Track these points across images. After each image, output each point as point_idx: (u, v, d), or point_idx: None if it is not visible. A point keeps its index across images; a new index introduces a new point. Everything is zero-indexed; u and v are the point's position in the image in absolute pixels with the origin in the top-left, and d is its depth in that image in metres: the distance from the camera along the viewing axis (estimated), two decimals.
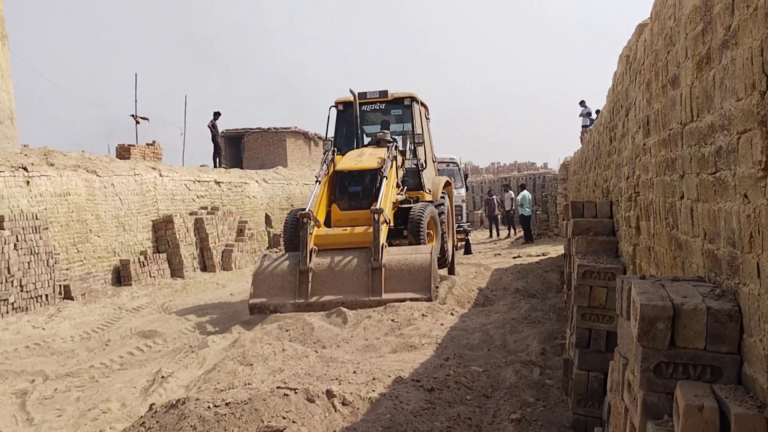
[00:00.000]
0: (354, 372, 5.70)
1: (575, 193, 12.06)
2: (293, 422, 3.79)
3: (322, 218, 10.71)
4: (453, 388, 5.12)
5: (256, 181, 21.53)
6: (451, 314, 9.04)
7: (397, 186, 11.75)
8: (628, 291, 2.52)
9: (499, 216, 28.18)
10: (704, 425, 1.92)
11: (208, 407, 3.93)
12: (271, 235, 21.01)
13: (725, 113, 2.29)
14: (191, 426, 3.78)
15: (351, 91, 12.27)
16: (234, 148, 29.38)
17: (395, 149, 11.70)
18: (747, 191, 2.07)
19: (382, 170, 10.85)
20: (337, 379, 5.47)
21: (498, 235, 27.36)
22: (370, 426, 3.74)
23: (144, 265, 14.57)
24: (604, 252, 5.07)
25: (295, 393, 4.07)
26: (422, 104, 13.51)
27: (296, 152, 29.37)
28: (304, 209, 10.39)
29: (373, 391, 4.73)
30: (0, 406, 6.90)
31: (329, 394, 4.16)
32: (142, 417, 4.37)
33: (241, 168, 24.63)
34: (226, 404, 3.95)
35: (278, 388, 4.17)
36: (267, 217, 21.77)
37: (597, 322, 4.54)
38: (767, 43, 1.88)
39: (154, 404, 4.64)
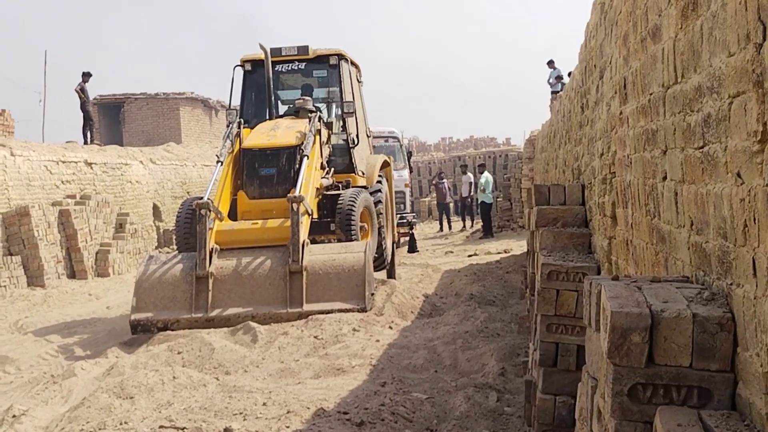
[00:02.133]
0: (264, 404, 5.66)
1: (543, 174, 12.23)
2: None
3: (225, 209, 10.58)
4: (388, 421, 5.13)
5: (141, 162, 21.15)
6: (390, 328, 9.08)
7: (322, 168, 11.71)
8: (597, 295, 2.53)
9: (451, 204, 28.45)
10: None
11: None
12: (161, 231, 20.70)
13: (714, 72, 2.31)
14: None
15: (261, 47, 12.11)
16: (111, 120, 28.75)
17: (319, 121, 11.62)
18: (741, 169, 2.09)
19: (302, 148, 10.77)
20: (241, 413, 5.41)
21: (450, 228, 27.63)
22: None
23: None
24: (575, 247, 5.14)
25: None
26: (353, 64, 13.48)
27: (193, 124, 28.94)
28: (202, 198, 10.23)
29: (287, 427, 4.69)
30: None
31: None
32: None
33: (121, 145, 24.13)
34: None
35: (161, 427, 4.07)
36: (155, 207, 21.43)
37: (565, 335, 4.59)
38: None
39: None
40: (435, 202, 29.82)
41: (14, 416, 7.13)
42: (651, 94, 3.22)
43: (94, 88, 22.40)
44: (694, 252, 2.62)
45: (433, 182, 30.62)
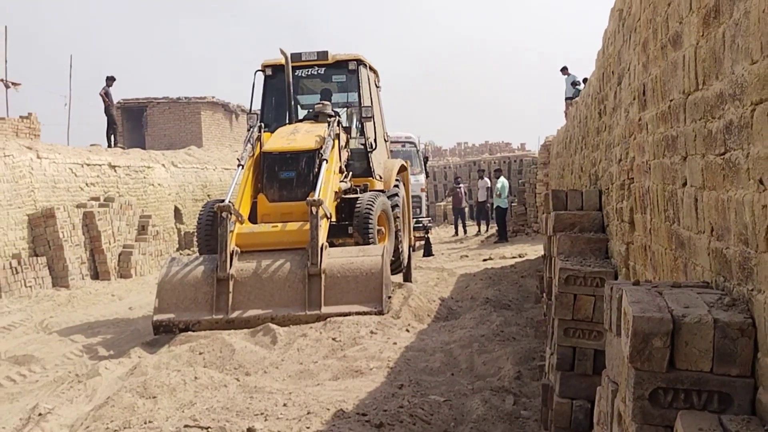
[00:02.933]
0: (284, 405, 5.66)
1: (558, 179, 12.20)
2: None
3: (246, 212, 10.59)
4: (407, 423, 5.11)
5: (163, 165, 21.22)
6: (407, 331, 9.06)
7: (340, 171, 11.70)
8: (618, 300, 2.52)
9: (466, 209, 28.38)
10: None
11: None
12: (182, 233, 20.76)
13: (737, 79, 2.30)
14: None
15: (282, 52, 12.12)
16: (134, 123, 28.89)
17: (338, 125, 11.63)
18: (763, 176, 2.08)
19: (322, 152, 10.77)
20: (262, 413, 5.41)
21: (465, 232, 27.57)
22: None
23: (17, 272, 14.21)
24: (592, 252, 5.12)
25: None
26: (371, 69, 13.47)
27: (214, 128, 29.03)
28: (223, 200, 10.25)
29: (308, 428, 4.69)
30: None
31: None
32: None
33: (143, 148, 24.24)
34: None
35: (186, 426, 4.09)
36: (177, 210, 21.49)
37: (583, 339, 4.58)
38: None
39: None
40: (451, 207, 29.74)
41: (40, 414, 7.17)
42: (671, 100, 3.20)
43: (120, 92, 22.52)
44: (714, 258, 2.60)
45: (449, 187, 30.61)
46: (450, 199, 30.10)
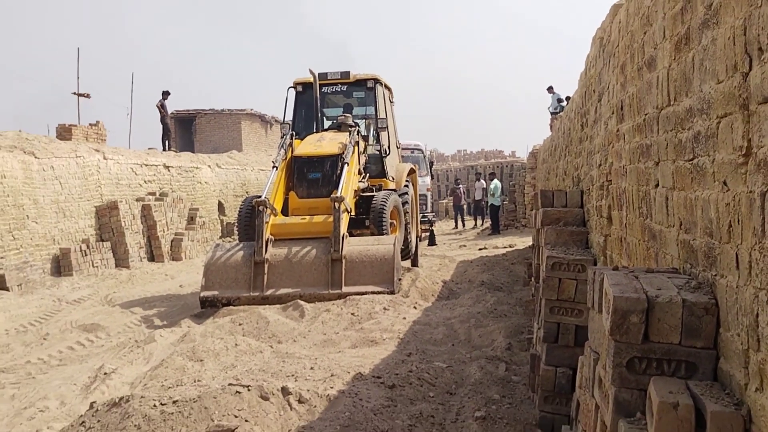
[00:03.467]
0: (311, 368, 5.66)
1: (544, 182, 12.16)
2: (246, 421, 3.72)
3: (279, 206, 10.62)
4: (415, 384, 5.11)
5: (209, 166, 21.26)
6: (414, 308, 9.06)
7: (359, 173, 11.70)
8: (600, 283, 2.51)
9: (465, 206, 28.31)
10: (679, 423, 1.92)
11: (154, 405, 3.84)
12: (224, 223, 20.80)
13: (704, 96, 2.29)
14: (135, 425, 3.69)
15: (311, 71, 12.15)
16: (185, 131, 28.91)
17: (357, 134, 11.62)
18: (726, 178, 2.07)
19: (344, 156, 10.78)
20: (293, 375, 5.42)
21: (464, 225, 27.51)
22: (327, 425, 3.70)
23: (86, 254, 14.28)
24: (574, 243, 5.10)
25: (248, 390, 4.00)
26: (386, 87, 13.46)
27: (252, 136, 29.04)
28: (259, 196, 10.27)
29: (332, 388, 4.69)
30: None
31: (284, 391, 4.10)
32: (82, 416, 4.26)
33: (192, 152, 24.27)
34: (174, 402, 3.87)
35: (230, 385, 4.10)
36: (220, 204, 21.53)
37: (566, 316, 4.56)
38: (750, 22, 1.87)
39: (95, 402, 4.52)
40: (452, 204, 29.68)
41: (105, 373, 7.21)
42: (646, 114, 3.18)
43: (173, 104, 22.56)
44: (682, 248, 2.59)
45: (450, 187, 30.55)
46: (451, 197, 30.06)
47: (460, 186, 28.63)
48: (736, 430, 1.86)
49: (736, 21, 1.99)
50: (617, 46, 4.24)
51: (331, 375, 5.21)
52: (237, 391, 3.97)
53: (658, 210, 2.95)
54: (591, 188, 5.07)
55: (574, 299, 4.54)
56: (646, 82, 3.19)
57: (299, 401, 4.06)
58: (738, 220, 1.98)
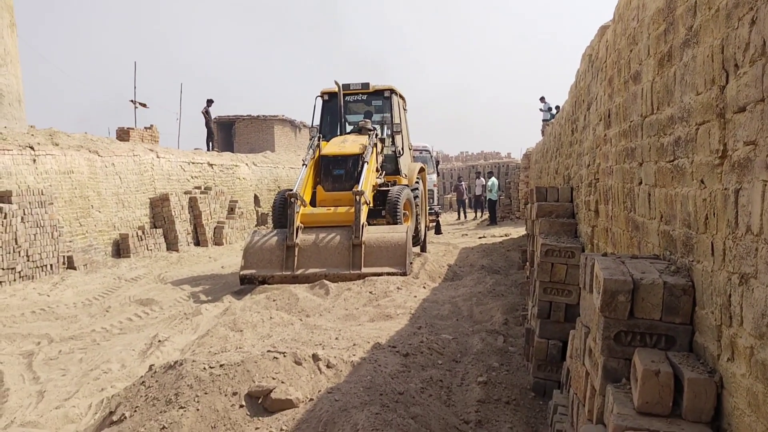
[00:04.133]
0: (336, 338, 5.68)
1: (536, 180, 12.11)
2: (282, 383, 3.75)
3: (308, 198, 10.64)
4: (426, 353, 5.12)
5: (246, 164, 21.31)
6: (424, 287, 9.06)
7: (377, 170, 11.69)
8: (591, 267, 2.51)
9: (466, 200, 28.24)
10: (660, 388, 1.92)
11: (204, 368, 3.88)
12: (259, 213, 20.85)
13: (685, 106, 2.28)
14: (188, 385, 3.73)
15: (336, 83, 12.15)
16: (226, 134, 28.97)
17: (376, 137, 11.61)
18: (704, 177, 2.06)
19: (364, 156, 10.78)
20: (321, 344, 5.45)
21: (465, 217, 27.44)
22: (352, 386, 3.72)
23: (142, 239, 14.39)
24: (565, 233, 5.08)
25: (284, 356, 4.03)
26: (400, 96, 13.43)
27: (283, 138, 29.04)
28: (291, 190, 10.30)
29: (354, 355, 4.71)
30: (8, 365, 6.79)
31: (315, 357, 4.12)
32: (142, 376, 4.31)
33: (232, 152, 24.32)
34: (221, 366, 3.90)
35: (268, 351, 4.13)
36: (256, 197, 21.58)
37: (557, 296, 4.56)
38: (728, 42, 1.86)
39: (153, 365, 4.57)
40: (455, 198, 29.60)
41: (159, 341, 7.27)
42: (631, 121, 3.17)
43: (216, 110, 22.60)
44: (662, 237, 2.58)
45: (454, 184, 30.46)
46: (454, 192, 29.98)
47: (462, 183, 28.54)
48: (710, 395, 1.87)
49: (715, 41, 1.98)
50: (605, 62, 4.22)
51: (354, 344, 5.23)
52: (274, 357, 4.00)
53: (641, 204, 2.94)
54: (580, 185, 5.05)
55: (565, 281, 4.54)
56: (631, 93, 3.17)
57: (327, 366, 4.08)
58: (714, 214, 1.97)
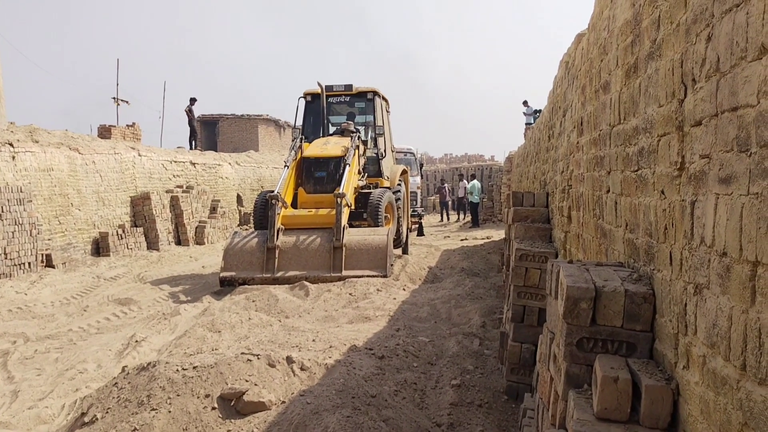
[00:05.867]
0: (313, 340, 5.68)
1: (518, 183, 12.19)
2: (255, 385, 3.75)
3: (289, 200, 10.62)
4: (401, 356, 5.13)
5: (229, 164, 21.21)
6: (404, 290, 9.08)
7: (359, 173, 11.71)
8: (556, 273, 2.55)
9: (449, 202, 28.34)
10: (618, 394, 1.96)
11: (177, 370, 3.87)
12: (242, 213, 20.77)
13: (648, 117, 2.32)
14: (160, 387, 3.72)
15: (319, 84, 12.15)
16: (209, 132, 28.83)
17: (358, 139, 11.63)
18: (664, 188, 2.11)
19: (346, 158, 10.79)
20: (297, 346, 5.45)
21: (448, 219, 27.52)
22: (325, 389, 3.73)
23: (122, 238, 14.27)
24: (540, 238, 5.13)
25: (258, 358, 4.03)
26: (383, 98, 13.45)
27: (267, 138, 28.95)
28: (273, 191, 10.28)
29: (330, 357, 4.72)
30: None
31: (289, 360, 4.12)
32: (114, 378, 4.29)
33: (216, 151, 24.21)
34: (194, 368, 3.89)
35: (242, 353, 4.12)
36: (238, 197, 21.50)
37: (531, 300, 4.60)
38: (687, 56, 1.90)
39: (126, 366, 4.55)
40: (438, 200, 29.68)
41: (137, 341, 7.22)
42: (601, 130, 3.21)
43: (200, 108, 22.46)
44: (627, 245, 2.62)
45: (437, 186, 30.54)
46: (437, 194, 30.06)
47: (446, 185, 28.63)
48: (666, 401, 1.90)
49: (675, 55, 2.02)
50: (579, 70, 4.27)
51: (330, 346, 5.24)
52: (248, 359, 3.99)
53: (608, 212, 2.98)
54: (555, 191, 5.10)
55: (538, 286, 4.58)
56: (601, 102, 3.21)
57: (301, 368, 4.08)
58: (672, 224, 2.01)
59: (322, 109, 12.28)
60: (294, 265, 9.70)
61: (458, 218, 27.28)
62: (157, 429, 3.39)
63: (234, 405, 3.62)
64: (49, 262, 11.91)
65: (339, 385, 3.80)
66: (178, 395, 3.63)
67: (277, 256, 9.73)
